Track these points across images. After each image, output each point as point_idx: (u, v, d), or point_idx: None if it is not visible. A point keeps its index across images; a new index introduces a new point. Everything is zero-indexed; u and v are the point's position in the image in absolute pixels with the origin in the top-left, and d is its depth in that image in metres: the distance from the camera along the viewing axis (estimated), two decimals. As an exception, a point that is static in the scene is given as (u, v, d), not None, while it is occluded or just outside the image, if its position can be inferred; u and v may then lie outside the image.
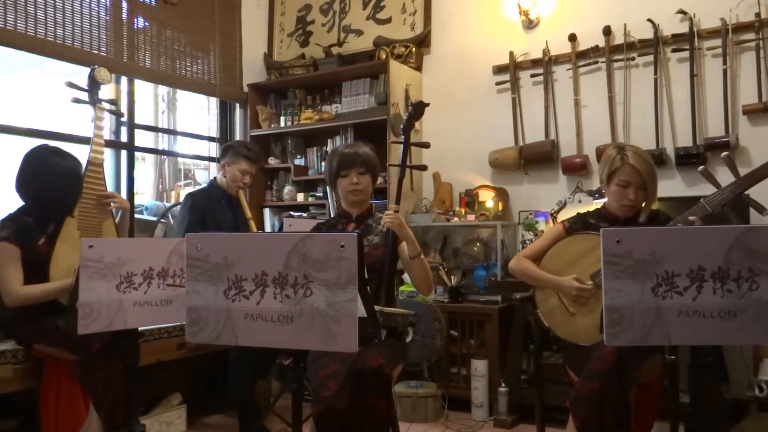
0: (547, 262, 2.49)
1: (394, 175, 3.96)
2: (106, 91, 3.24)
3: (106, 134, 4.02)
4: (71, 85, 2.86)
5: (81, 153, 2.82)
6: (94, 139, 2.82)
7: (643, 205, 2.42)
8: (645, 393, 2.22)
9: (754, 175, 2.19)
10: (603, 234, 1.54)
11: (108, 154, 3.94)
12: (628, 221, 2.41)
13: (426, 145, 2.71)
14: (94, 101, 2.88)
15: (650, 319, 1.53)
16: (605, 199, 3.51)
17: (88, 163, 2.79)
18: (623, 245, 1.53)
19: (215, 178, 3.57)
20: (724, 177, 2.27)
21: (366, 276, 1.65)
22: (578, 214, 2.63)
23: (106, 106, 2.93)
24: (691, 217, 2.21)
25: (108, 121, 4.06)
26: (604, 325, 1.55)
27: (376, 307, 1.91)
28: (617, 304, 1.54)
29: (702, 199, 2.24)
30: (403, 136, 2.47)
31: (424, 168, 2.76)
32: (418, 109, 2.48)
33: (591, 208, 2.62)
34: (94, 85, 2.89)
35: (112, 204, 2.84)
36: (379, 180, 3.14)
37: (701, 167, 2.40)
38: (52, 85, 4.20)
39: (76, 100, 2.88)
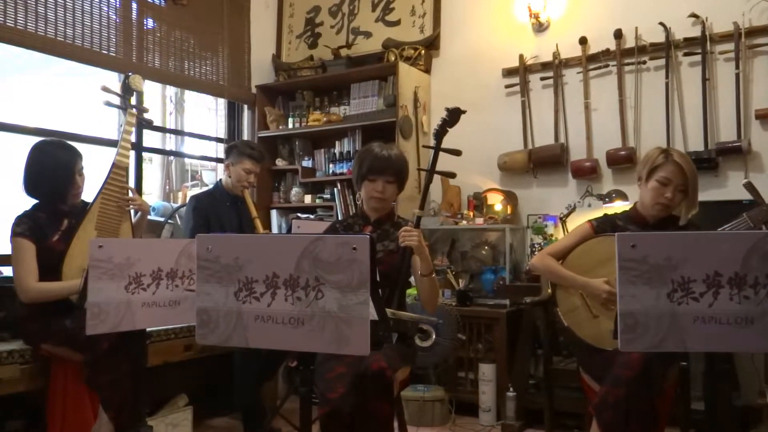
0: (575, 260, 2.41)
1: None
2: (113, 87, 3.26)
3: (115, 135, 4.06)
4: (106, 89, 2.94)
5: (87, 152, 2.82)
6: (121, 143, 2.87)
7: (683, 211, 2.32)
8: (659, 400, 2.19)
9: None
10: (618, 238, 1.52)
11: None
12: (657, 226, 2.33)
13: (458, 153, 2.49)
14: (126, 107, 2.95)
15: (665, 326, 1.52)
16: (622, 203, 3.44)
17: (113, 165, 2.83)
18: (639, 250, 1.51)
19: (221, 180, 3.56)
20: (736, 180, 2.22)
21: (378, 281, 1.63)
22: (605, 214, 2.56)
23: (137, 112, 2.98)
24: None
25: (118, 122, 4.07)
26: (619, 330, 1.53)
27: (388, 311, 1.90)
28: (632, 310, 1.52)
29: (744, 213, 2.18)
30: (434, 142, 2.40)
31: (452, 175, 2.61)
32: (453, 116, 2.39)
33: (619, 210, 2.55)
34: (127, 91, 2.97)
35: (131, 205, 2.87)
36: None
37: (745, 180, 2.30)
38: (61, 86, 4.21)
39: (109, 104, 2.96)
